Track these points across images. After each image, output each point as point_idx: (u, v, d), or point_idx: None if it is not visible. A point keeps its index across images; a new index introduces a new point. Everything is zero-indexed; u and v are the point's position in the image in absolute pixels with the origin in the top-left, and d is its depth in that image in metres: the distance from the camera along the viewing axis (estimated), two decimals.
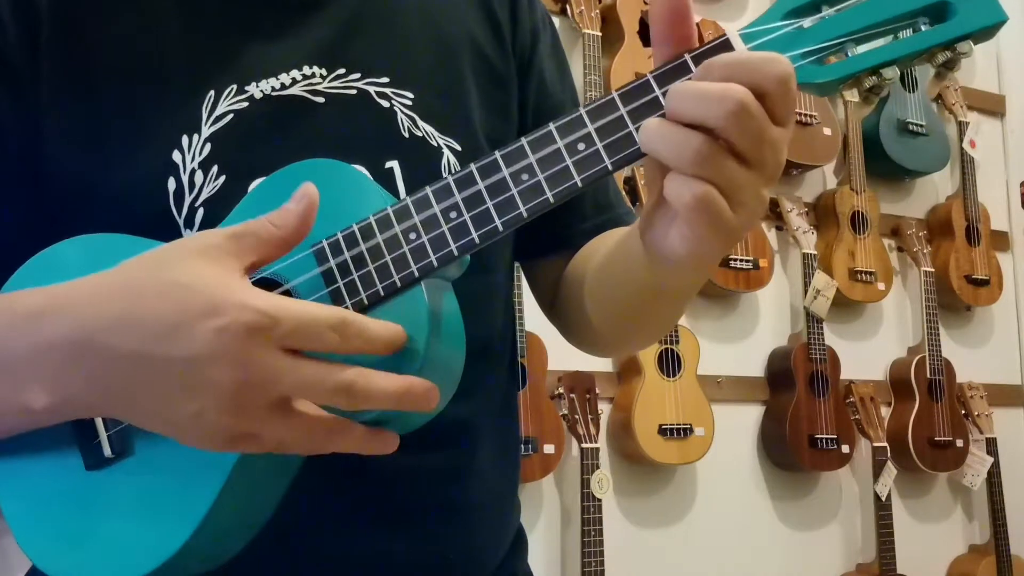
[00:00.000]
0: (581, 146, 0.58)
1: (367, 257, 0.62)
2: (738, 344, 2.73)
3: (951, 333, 3.09)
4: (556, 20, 2.49)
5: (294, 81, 0.76)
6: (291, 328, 0.55)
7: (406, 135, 0.78)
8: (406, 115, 0.78)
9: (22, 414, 0.61)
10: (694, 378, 2.47)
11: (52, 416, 0.62)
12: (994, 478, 2.91)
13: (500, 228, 0.60)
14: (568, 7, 2.44)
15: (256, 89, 0.75)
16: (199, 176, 0.72)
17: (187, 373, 0.56)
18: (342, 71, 0.77)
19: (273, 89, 0.75)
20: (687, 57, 0.57)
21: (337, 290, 0.62)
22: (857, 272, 2.80)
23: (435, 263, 0.60)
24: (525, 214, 0.59)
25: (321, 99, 0.76)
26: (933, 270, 2.95)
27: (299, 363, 0.56)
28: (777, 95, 0.54)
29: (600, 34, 2.42)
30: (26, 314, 0.61)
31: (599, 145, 0.58)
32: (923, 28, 0.57)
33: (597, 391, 2.34)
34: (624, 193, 2.32)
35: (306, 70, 0.76)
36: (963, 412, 2.93)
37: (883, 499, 2.67)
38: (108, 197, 0.72)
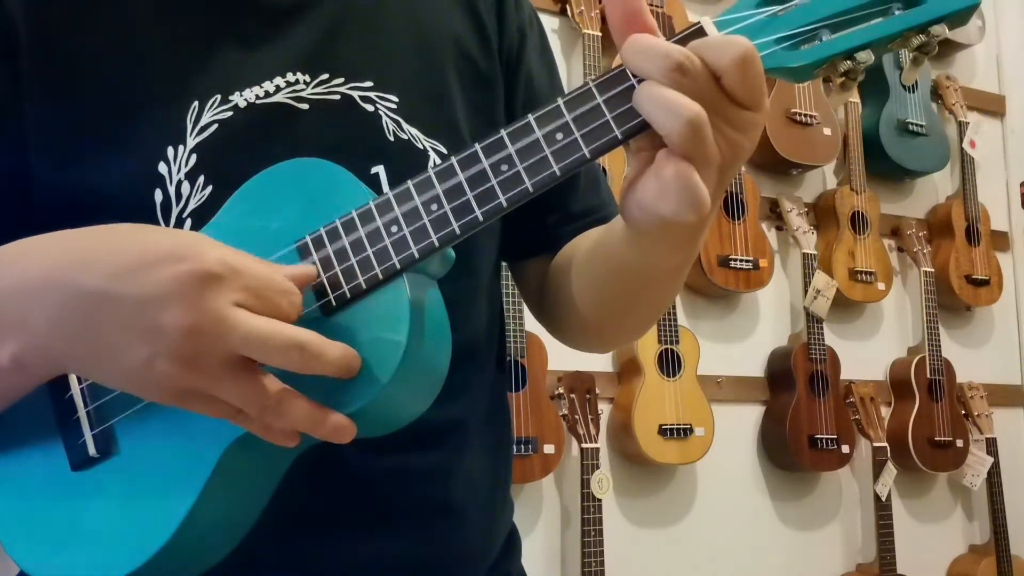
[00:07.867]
0: (559, 135, 0.59)
1: (349, 251, 0.62)
2: (738, 344, 2.73)
3: (951, 333, 3.09)
4: (556, 20, 2.50)
5: (278, 88, 0.75)
6: (246, 283, 0.56)
7: (391, 139, 0.78)
8: (391, 119, 0.78)
9: None
10: (694, 378, 2.47)
11: (20, 373, 0.61)
12: (994, 478, 2.90)
13: (481, 218, 0.60)
14: (568, 7, 2.44)
15: (240, 98, 0.74)
16: (185, 187, 0.72)
17: (141, 314, 0.56)
18: (325, 76, 0.77)
19: (257, 97, 0.75)
20: None
21: (320, 284, 0.62)
22: (857, 272, 2.80)
23: (416, 255, 0.60)
24: (505, 203, 0.59)
25: (305, 106, 0.76)
26: (933, 270, 2.95)
27: (252, 316, 0.56)
28: (735, 75, 0.55)
29: (600, 34, 2.42)
30: (7, 259, 0.61)
31: (577, 134, 0.58)
32: (896, 13, 0.57)
33: (597, 391, 2.34)
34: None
35: (289, 77, 0.76)
36: (963, 412, 2.93)
37: (883, 499, 2.67)
38: (94, 210, 0.71)
